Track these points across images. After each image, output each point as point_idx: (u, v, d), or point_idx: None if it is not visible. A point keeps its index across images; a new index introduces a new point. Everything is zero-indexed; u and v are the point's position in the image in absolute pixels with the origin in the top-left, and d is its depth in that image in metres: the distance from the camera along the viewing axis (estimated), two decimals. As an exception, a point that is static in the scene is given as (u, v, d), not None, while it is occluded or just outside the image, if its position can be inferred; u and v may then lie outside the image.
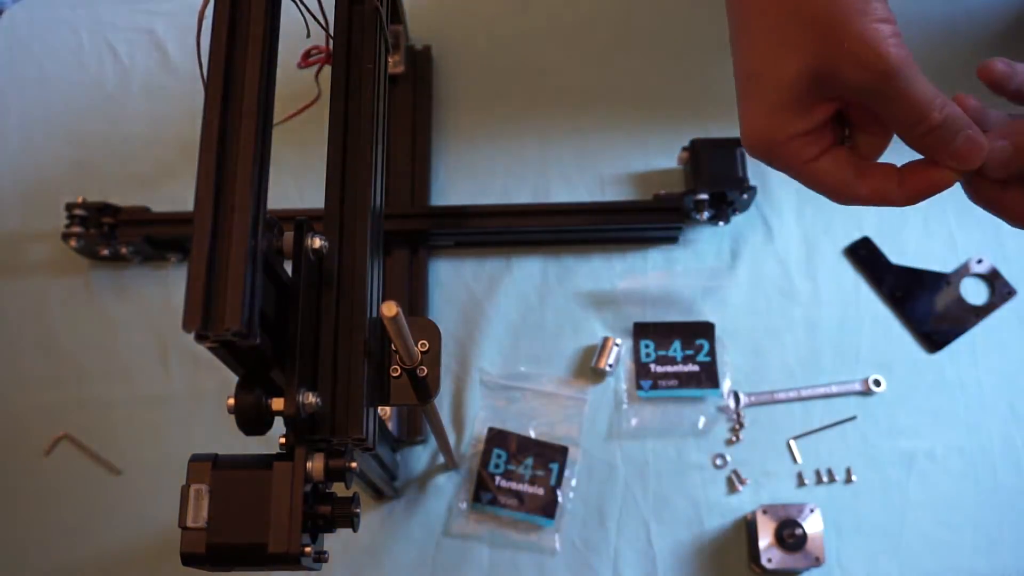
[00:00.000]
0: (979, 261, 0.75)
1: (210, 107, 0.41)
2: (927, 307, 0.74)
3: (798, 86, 0.41)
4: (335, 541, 0.68)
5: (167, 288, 0.78)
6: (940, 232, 0.77)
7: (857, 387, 0.72)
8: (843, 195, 0.43)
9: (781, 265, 0.77)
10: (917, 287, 0.75)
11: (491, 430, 0.71)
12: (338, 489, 0.48)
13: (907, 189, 0.42)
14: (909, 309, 0.74)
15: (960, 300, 0.74)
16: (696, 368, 0.72)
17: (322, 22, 0.53)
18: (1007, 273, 0.75)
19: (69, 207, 0.73)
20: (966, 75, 0.84)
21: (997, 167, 0.40)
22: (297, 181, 0.81)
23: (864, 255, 0.76)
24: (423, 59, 0.84)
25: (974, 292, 0.75)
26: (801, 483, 0.70)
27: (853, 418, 0.72)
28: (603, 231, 0.77)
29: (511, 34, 0.88)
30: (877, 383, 0.72)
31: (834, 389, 0.72)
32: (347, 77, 0.51)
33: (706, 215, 0.74)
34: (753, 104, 0.43)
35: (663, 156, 0.81)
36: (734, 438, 0.71)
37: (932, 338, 0.73)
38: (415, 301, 0.75)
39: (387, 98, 0.55)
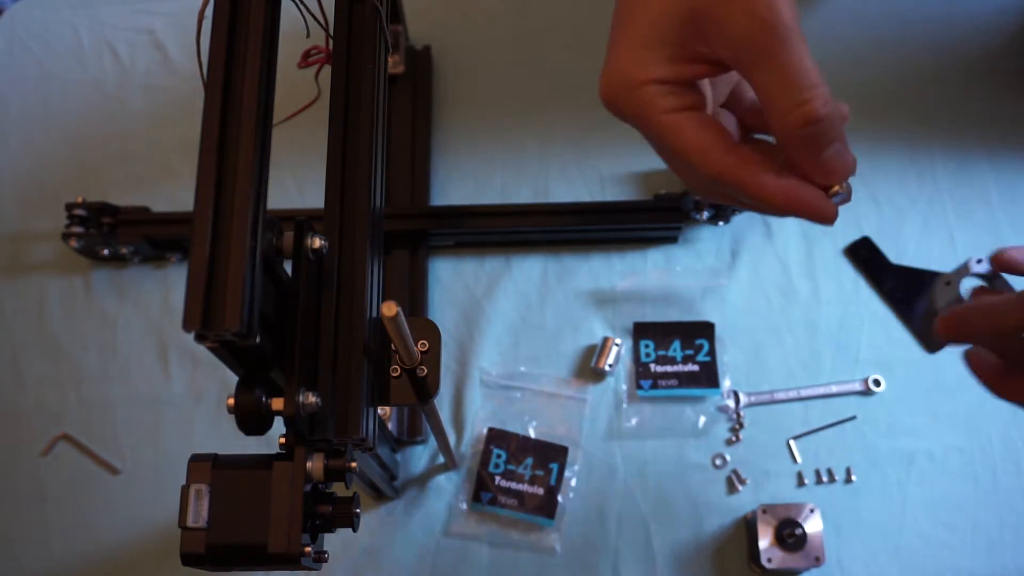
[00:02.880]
0: (979, 261, 0.75)
1: (210, 107, 0.41)
2: (927, 307, 0.74)
3: (668, 22, 0.36)
4: (335, 541, 0.68)
5: (167, 288, 0.78)
6: (940, 232, 0.77)
7: (857, 387, 0.72)
8: (703, 162, 0.37)
9: (781, 265, 0.77)
10: (917, 287, 0.75)
11: (491, 430, 0.71)
12: (338, 489, 0.48)
13: (782, 187, 0.37)
14: (909, 309, 0.74)
15: (960, 300, 0.74)
16: (696, 368, 0.72)
17: (322, 22, 0.53)
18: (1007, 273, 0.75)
19: (69, 207, 0.73)
20: (965, 79, 0.85)
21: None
22: (297, 181, 0.81)
23: (864, 255, 0.76)
24: (423, 59, 0.84)
25: (976, 293, 0.75)
26: (801, 483, 0.70)
27: (853, 418, 0.72)
28: (603, 231, 0.77)
29: (511, 34, 0.88)
30: (877, 383, 0.72)
31: (834, 389, 0.72)
32: (347, 77, 0.51)
33: (706, 215, 0.74)
34: (618, 42, 0.39)
35: (663, 156, 0.81)
36: (734, 438, 0.71)
37: (932, 338, 0.73)
38: (415, 301, 0.75)
39: (387, 98, 0.55)
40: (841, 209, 0.80)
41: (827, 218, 0.38)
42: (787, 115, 0.35)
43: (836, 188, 0.38)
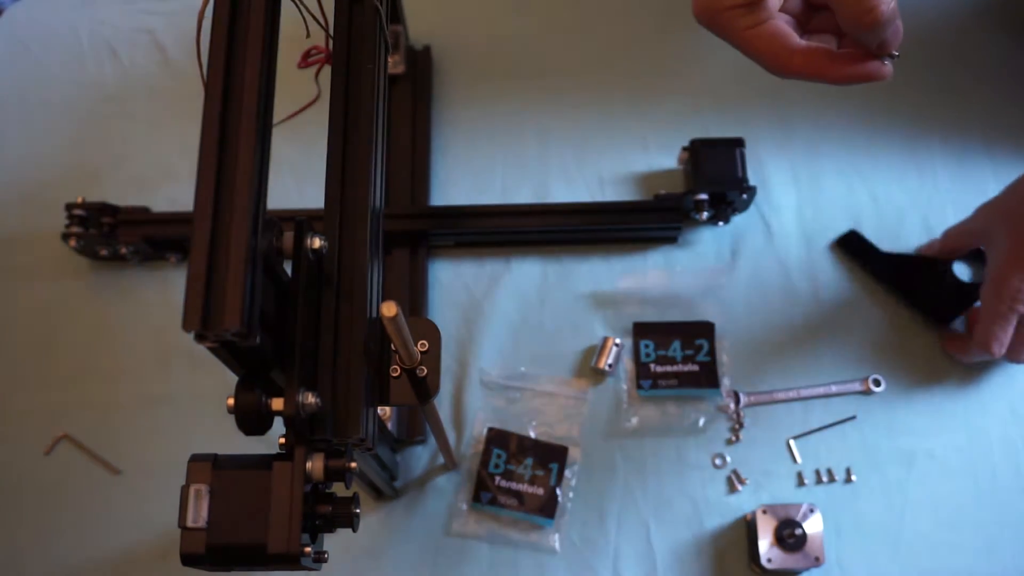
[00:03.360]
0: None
1: (210, 107, 0.41)
2: (921, 289, 0.73)
3: None
4: (335, 541, 0.68)
5: (167, 288, 0.78)
6: (940, 229, 0.77)
7: (857, 387, 0.72)
8: (777, 64, 0.47)
9: (781, 265, 0.77)
10: (912, 270, 0.74)
11: (491, 430, 0.71)
12: (338, 489, 0.48)
13: (840, 69, 0.46)
14: (904, 294, 0.74)
15: (956, 280, 0.73)
16: (696, 368, 0.72)
17: (322, 22, 0.53)
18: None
19: (69, 207, 0.73)
20: (966, 76, 0.84)
21: None
22: (297, 181, 0.81)
23: (855, 247, 0.76)
24: (423, 59, 0.84)
25: (966, 274, 0.75)
26: (801, 483, 0.70)
27: (853, 418, 0.72)
28: (603, 231, 0.77)
29: (511, 34, 0.88)
30: (877, 383, 0.72)
31: (834, 389, 0.72)
32: (347, 77, 0.51)
33: (706, 215, 0.74)
34: None
35: (663, 156, 0.81)
36: (734, 438, 0.71)
37: (940, 311, 0.72)
38: (415, 301, 0.75)
39: (387, 98, 0.55)
40: (841, 207, 0.81)
41: (885, 76, 0.47)
42: (858, 21, 0.43)
43: (893, 53, 0.46)
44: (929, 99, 0.82)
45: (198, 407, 0.74)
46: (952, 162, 0.80)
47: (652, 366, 0.72)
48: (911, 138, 0.81)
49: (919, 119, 0.81)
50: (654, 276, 0.76)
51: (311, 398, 0.42)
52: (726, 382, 0.72)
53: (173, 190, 0.81)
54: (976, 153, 0.80)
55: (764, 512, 0.65)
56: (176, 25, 0.89)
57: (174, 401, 0.74)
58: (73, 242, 0.74)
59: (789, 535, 0.64)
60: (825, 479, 0.70)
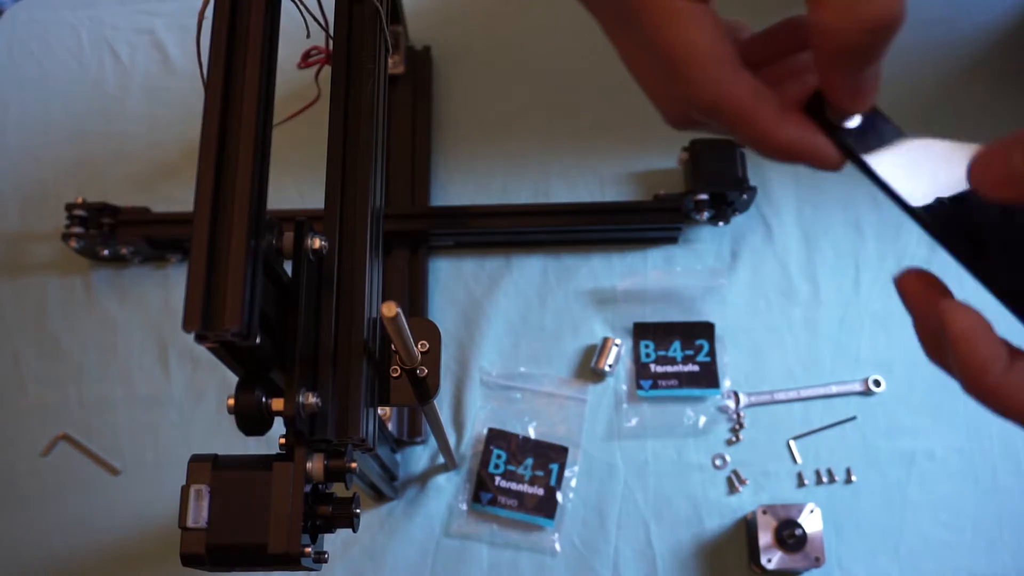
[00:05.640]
0: None
1: (210, 107, 0.41)
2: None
3: None
4: (335, 541, 0.68)
5: (167, 288, 0.78)
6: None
7: (857, 387, 0.72)
8: (703, 76, 0.30)
9: (781, 265, 0.77)
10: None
11: (491, 430, 0.71)
12: (338, 489, 0.48)
13: (792, 136, 0.30)
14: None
15: None
16: (696, 368, 0.72)
17: (322, 22, 0.53)
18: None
19: (69, 207, 0.73)
20: (966, 78, 0.84)
21: None
22: (297, 181, 0.81)
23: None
24: (423, 59, 0.84)
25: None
26: (801, 483, 0.70)
27: (853, 418, 0.71)
28: (603, 231, 0.77)
29: (511, 34, 0.88)
30: (877, 383, 0.72)
31: (834, 389, 0.72)
32: (347, 77, 0.51)
33: (706, 215, 0.74)
34: None
35: (663, 156, 0.81)
36: (734, 438, 0.71)
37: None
38: (415, 301, 0.75)
39: (387, 98, 0.55)
40: (841, 207, 0.80)
41: (834, 165, 0.31)
42: (848, 11, 0.26)
43: (854, 119, 0.31)
44: (928, 101, 0.82)
45: (198, 407, 0.74)
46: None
47: (652, 366, 0.72)
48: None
49: (918, 121, 0.81)
50: (654, 276, 0.76)
51: (311, 398, 0.42)
52: (726, 382, 0.72)
53: (173, 190, 0.81)
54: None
55: (764, 512, 0.65)
56: (176, 25, 0.89)
57: (174, 401, 0.74)
58: (73, 242, 0.74)
59: (789, 535, 0.64)
60: (825, 479, 0.70)
